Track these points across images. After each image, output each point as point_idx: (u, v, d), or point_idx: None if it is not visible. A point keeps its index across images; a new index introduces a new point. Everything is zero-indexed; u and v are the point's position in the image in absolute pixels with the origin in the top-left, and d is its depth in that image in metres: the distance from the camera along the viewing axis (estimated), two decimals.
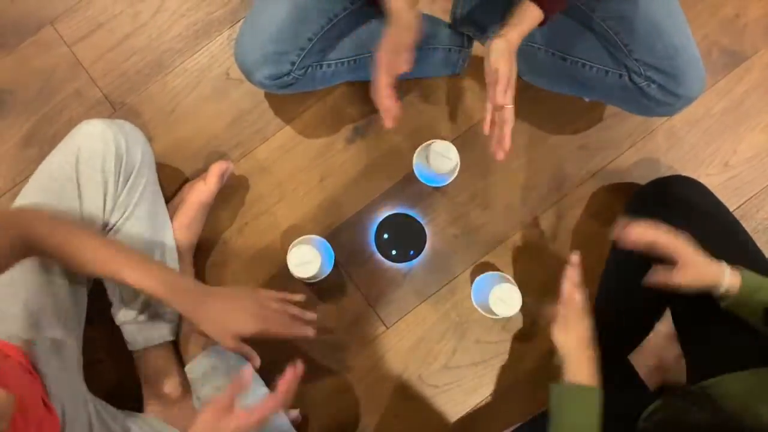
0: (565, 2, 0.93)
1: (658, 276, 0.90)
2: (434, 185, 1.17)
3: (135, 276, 0.84)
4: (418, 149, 1.12)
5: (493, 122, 0.92)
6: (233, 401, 0.80)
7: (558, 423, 0.85)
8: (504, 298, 1.06)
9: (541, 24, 0.91)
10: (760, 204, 1.20)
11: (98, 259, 0.84)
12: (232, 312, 0.90)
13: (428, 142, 1.09)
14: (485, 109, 0.93)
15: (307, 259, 1.06)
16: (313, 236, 1.13)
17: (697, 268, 0.87)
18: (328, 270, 1.12)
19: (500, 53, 0.90)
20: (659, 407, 0.87)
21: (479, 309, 1.13)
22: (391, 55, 0.94)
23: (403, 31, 0.91)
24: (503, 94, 0.90)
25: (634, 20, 0.94)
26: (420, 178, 1.16)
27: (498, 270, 1.17)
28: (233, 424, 0.78)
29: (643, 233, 0.89)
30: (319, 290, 1.17)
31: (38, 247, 0.81)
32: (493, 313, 1.08)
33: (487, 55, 0.92)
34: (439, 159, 1.07)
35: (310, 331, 0.96)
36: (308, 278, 1.09)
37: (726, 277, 0.85)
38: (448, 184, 1.14)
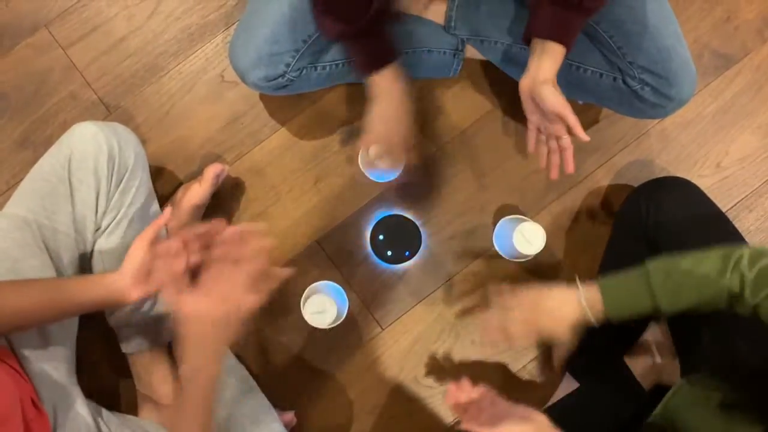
0: (579, 30, 0.90)
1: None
2: (512, 259, 1.16)
3: (84, 298, 0.82)
4: (505, 219, 1.14)
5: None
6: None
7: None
8: (528, 237, 1.07)
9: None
10: (753, 205, 1.21)
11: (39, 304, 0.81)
12: None
13: (517, 217, 1.13)
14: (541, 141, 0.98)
15: (323, 309, 1.06)
16: (325, 282, 1.12)
17: (551, 316, 0.85)
18: (344, 312, 1.11)
19: (554, 95, 0.89)
20: None
21: (504, 256, 1.14)
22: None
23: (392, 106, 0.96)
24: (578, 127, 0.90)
25: (628, 23, 0.95)
26: (497, 247, 1.17)
27: (495, 272, 1.17)
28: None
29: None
30: (330, 332, 1.16)
31: None
32: (521, 255, 1.10)
33: (538, 97, 0.90)
34: (524, 243, 1.08)
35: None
36: (327, 326, 1.08)
37: (583, 303, 0.82)
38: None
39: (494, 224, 1.17)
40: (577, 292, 0.84)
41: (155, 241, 0.84)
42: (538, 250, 1.08)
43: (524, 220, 1.10)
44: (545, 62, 0.89)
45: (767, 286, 0.71)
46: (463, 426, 0.77)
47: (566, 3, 0.85)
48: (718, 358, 0.85)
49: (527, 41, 0.91)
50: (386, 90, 0.97)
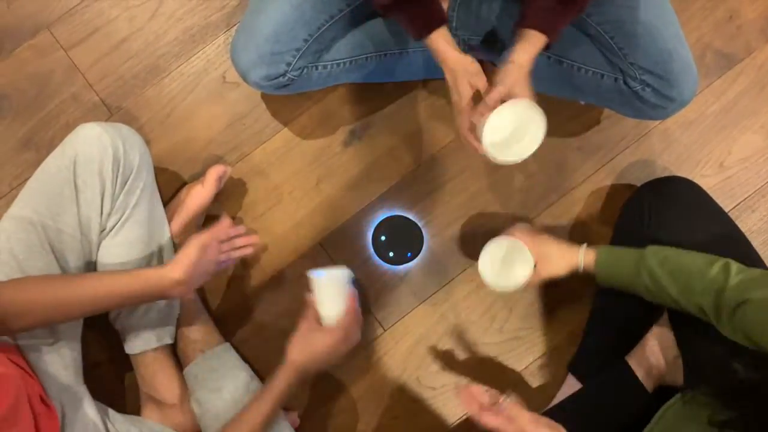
0: (566, 23, 0.93)
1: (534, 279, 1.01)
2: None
3: (120, 291, 0.88)
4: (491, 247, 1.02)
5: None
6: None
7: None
8: (514, 264, 1.00)
9: (546, 47, 0.93)
10: (755, 204, 1.21)
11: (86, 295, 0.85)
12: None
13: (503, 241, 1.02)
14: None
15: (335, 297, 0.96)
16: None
17: (550, 260, 0.99)
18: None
19: (515, 79, 0.90)
20: None
21: (492, 286, 1.02)
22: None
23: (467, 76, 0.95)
24: None
25: (630, 24, 0.95)
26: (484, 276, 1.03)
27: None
28: (327, 338, 0.93)
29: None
30: None
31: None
32: (507, 282, 1.00)
33: (498, 77, 0.91)
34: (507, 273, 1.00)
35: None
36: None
37: (581, 259, 0.97)
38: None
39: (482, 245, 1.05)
40: (579, 250, 0.98)
41: (207, 244, 0.93)
42: (525, 279, 0.99)
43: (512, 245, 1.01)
44: (521, 44, 0.92)
45: (747, 291, 0.77)
46: (484, 421, 0.79)
47: None
48: (719, 377, 0.85)
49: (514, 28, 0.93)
50: (445, 50, 0.96)
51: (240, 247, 1.05)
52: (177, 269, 0.89)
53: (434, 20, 0.95)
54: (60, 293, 0.84)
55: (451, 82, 0.96)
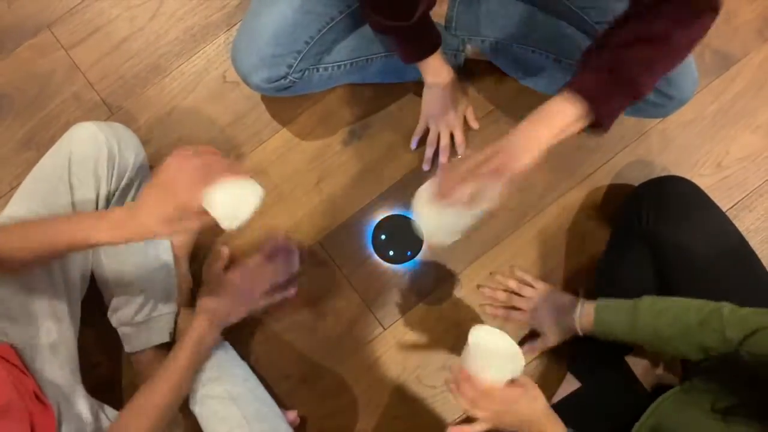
0: (619, 105, 0.81)
1: (535, 350, 1.11)
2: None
3: (65, 236, 0.77)
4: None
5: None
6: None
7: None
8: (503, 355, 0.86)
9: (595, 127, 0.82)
10: (753, 204, 1.21)
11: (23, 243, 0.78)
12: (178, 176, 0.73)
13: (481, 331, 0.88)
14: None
15: (235, 203, 0.75)
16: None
17: (546, 335, 1.07)
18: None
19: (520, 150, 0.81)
20: None
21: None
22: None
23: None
24: None
25: None
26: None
27: (494, 273, 1.17)
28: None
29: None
30: (316, 292, 1.17)
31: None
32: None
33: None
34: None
35: None
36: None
37: (578, 326, 0.99)
38: None
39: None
40: (576, 307, 1.00)
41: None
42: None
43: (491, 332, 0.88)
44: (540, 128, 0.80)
45: (750, 327, 0.78)
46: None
47: (624, 74, 0.78)
48: (719, 362, 0.86)
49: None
50: (434, 74, 1.04)
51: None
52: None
53: (427, 48, 1.00)
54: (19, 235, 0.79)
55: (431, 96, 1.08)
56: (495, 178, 0.80)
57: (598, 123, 0.80)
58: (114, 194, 0.98)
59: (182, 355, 0.93)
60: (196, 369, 0.96)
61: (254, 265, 1.08)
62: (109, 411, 0.98)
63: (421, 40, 0.99)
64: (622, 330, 0.93)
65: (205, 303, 1.01)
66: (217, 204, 0.72)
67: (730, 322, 0.81)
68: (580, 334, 1.00)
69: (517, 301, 1.12)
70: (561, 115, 0.79)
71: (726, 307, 0.83)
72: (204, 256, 1.16)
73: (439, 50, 1.01)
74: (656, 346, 0.90)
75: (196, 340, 0.95)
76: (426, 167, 1.19)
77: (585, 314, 0.98)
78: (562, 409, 1.07)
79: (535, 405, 0.83)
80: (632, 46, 0.78)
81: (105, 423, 0.94)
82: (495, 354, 0.83)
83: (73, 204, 0.94)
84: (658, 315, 0.89)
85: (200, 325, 0.97)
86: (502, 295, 1.14)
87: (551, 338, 1.07)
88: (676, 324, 0.86)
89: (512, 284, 1.14)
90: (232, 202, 0.73)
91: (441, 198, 0.82)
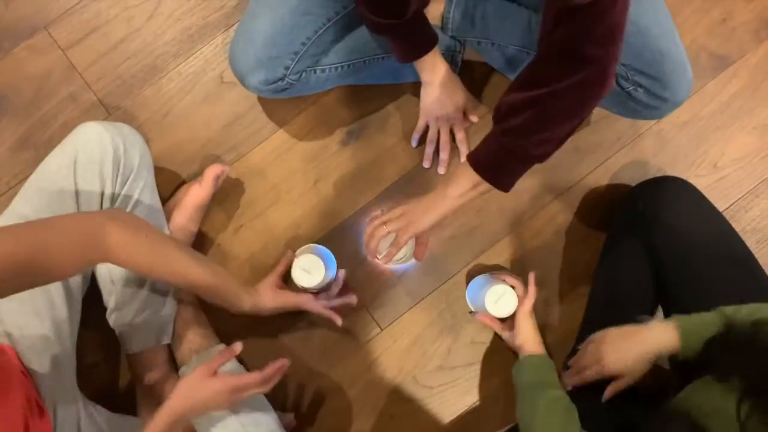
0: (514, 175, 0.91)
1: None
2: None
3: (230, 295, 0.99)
4: (480, 277, 1.15)
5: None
6: (218, 367, 0.89)
7: (519, 388, 0.99)
8: (499, 300, 1.08)
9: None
10: (749, 205, 1.21)
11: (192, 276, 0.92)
12: None
13: (491, 275, 1.13)
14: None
15: (311, 269, 1.08)
16: (315, 245, 1.14)
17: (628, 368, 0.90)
18: (331, 275, 1.13)
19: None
20: None
21: (475, 313, 1.14)
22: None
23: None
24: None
25: None
26: (469, 300, 1.17)
27: (492, 270, 1.18)
28: (215, 385, 0.86)
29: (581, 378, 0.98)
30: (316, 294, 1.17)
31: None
32: (491, 315, 1.09)
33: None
34: (495, 306, 1.08)
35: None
36: (311, 288, 1.10)
37: (663, 344, 0.85)
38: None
39: (467, 281, 1.17)
40: (656, 331, 0.86)
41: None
42: (509, 314, 1.09)
43: (499, 281, 1.09)
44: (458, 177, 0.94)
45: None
46: None
47: (511, 142, 0.86)
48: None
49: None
50: (430, 71, 1.04)
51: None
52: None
53: (422, 48, 1.00)
54: (187, 270, 0.91)
55: (429, 97, 1.08)
56: (403, 237, 0.96)
57: (497, 187, 0.90)
58: (119, 195, 0.98)
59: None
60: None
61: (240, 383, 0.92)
62: (107, 414, 0.98)
63: (416, 38, 0.99)
64: (713, 333, 0.80)
65: (178, 403, 0.87)
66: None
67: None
68: (658, 360, 0.87)
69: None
70: (463, 180, 0.92)
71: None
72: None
73: (436, 48, 1.01)
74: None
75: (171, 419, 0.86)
76: (426, 164, 1.19)
77: (666, 336, 0.84)
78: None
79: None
80: (517, 111, 0.83)
81: (104, 427, 0.94)
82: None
83: (77, 204, 0.94)
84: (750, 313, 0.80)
85: (164, 422, 0.85)
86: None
87: (627, 378, 0.92)
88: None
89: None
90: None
91: (369, 255, 1.12)
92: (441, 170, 1.19)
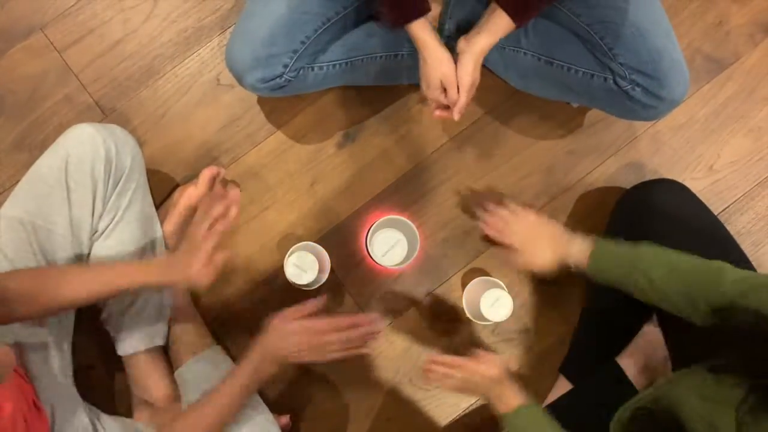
0: (537, 11, 0.95)
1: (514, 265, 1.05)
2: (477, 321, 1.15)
3: (127, 278, 0.86)
4: (476, 281, 1.13)
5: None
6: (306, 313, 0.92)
7: None
8: (495, 304, 1.07)
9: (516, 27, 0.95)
10: (744, 207, 1.22)
11: (83, 285, 0.85)
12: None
13: (488, 280, 1.13)
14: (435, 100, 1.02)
15: (305, 267, 1.08)
16: (311, 243, 1.14)
17: (535, 252, 1.00)
18: (324, 278, 1.13)
19: (466, 67, 0.96)
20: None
21: (471, 317, 1.14)
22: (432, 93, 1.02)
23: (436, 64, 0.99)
24: (463, 105, 1.00)
25: (619, 25, 0.96)
26: (465, 305, 1.16)
27: (488, 275, 1.18)
28: (293, 326, 0.91)
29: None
30: (308, 295, 1.17)
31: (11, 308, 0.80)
32: (485, 319, 1.09)
33: (462, 66, 0.97)
34: (491, 309, 1.08)
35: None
36: (304, 285, 1.10)
37: (571, 255, 0.95)
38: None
39: (463, 285, 1.17)
40: (574, 239, 0.96)
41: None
42: (504, 319, 1.09)
43: (495, 285, 1.11)
44: (484, 27, 0.95)
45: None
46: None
47: None
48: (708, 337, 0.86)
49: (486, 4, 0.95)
50: (422, 39, 0.99)
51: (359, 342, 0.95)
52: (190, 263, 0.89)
53: (414, 11, 0.96)
54: (72, 285, 0.85)
55: (422, 70, 1.01)
56: None
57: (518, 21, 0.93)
58: (111, 197, 0.98)
59: (237, 383, 0.90)
60: (247, 397, 0.92)
61: (329, 326, 0.93)
62: (103, 416, 0.97)
63: (406, 3, 0.95)
64: (617, 277, 0.90)
65: (269, 342, 0.92)
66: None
67: (730, 280, 0.79)
68: (571, 267, 0.96)
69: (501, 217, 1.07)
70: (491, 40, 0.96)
71: (727, 266, 0.82)
72: None
73: (429, 25, 0.98)
74: (651, 298, 0.87)
75: (251, 371, 0.91)
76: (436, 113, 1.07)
77: (581, 249, 0.95)
78: (554, 410, 1.07)
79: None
80: None
81: (100, 429, 0.94)
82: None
83: (69, 205, 0.94)
84: (658, 268, 0.86)
85: (255, 359, 0.91)
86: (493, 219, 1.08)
87: (537, 261, 1.00)
88: (676, 278, 0.84)
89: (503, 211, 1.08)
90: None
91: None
92: (456, 116, 1.04)
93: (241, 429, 0.93)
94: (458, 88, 0.98)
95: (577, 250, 0.95)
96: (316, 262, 1.08)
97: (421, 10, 0.96)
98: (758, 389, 0.67)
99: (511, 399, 0.91)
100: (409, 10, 0.96)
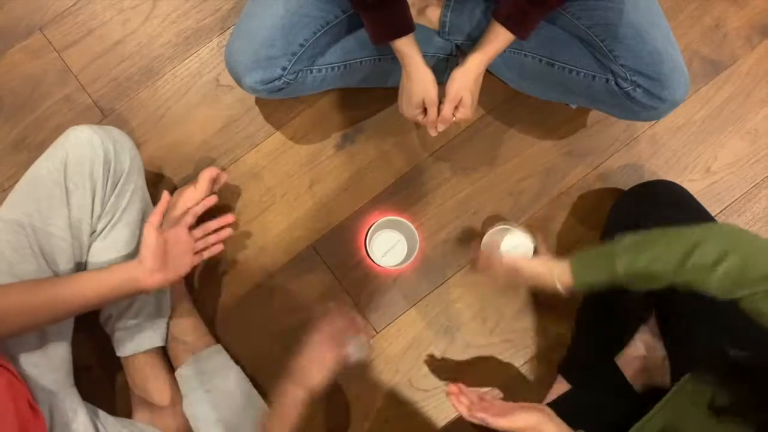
0: (536, 22, 0.96)
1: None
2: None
3: (97, 289, 0.88)
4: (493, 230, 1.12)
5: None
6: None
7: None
8: (516, 248, 1.09)
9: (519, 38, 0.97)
10: (742, 209, 1.23)
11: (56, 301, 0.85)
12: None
13: (504, 227, 1.12)
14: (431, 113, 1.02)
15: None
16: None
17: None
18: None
19: (463, 84, 0.99)
20: None
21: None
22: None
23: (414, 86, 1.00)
24: (446, 118, 1.02)
25: (619, 27, 0.97)
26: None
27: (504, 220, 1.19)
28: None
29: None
30: (307, 295, 1.17)
31: None
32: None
33: (451, 79, 0.99)
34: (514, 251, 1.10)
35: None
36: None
37: (556, 280, 0.90)
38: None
39: (483, 233, 1.17)
40: (552, 268, 0.91)
41: (160, 223, 0.93)
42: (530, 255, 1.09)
43: (508, 230, 1.10)
44: (486, 42, 0.98)
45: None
46: (475, 415, 0.86)
47: None
48: (710, 358, 0.87)
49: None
50: (408, 55, 0.99)
51: (216, 230, 1.03)
52: (145, 258, 0.90)
53: (393, 30, 0.97)
54: (35, 298, 0.83)
55: (405, 85, 1.02)
56: None
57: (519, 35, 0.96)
58: (109, 199, 0.98)
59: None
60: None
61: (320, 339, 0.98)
62: (103, 416, 0.97)
63: (388, 18, 0.96)
64: (602, 282, 0.86)
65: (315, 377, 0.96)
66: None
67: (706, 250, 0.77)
68: (563, 293, 0.91)
69: None
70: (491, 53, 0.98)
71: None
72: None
73: (410, 38, 0.98)
74: (640, 285, 0.84)
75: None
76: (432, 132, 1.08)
77: (561, 272, 0.90)
78: (553, 411, 1.08)
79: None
80: None
81: (101, 428, 0.94)
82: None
83: (68, 207, 0.94)
84: (639, 255, 0.82)
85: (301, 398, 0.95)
86: None
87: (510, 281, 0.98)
88: (659, 262, 0.81)
89: None
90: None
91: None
92: (434, 132, 1.06)
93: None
94: (442, 101, 1.01)
95: (559, 273, 0.90)
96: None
97: (403, 30, 0.96)
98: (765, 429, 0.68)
99: None
100: (390, 29, 0.96)
